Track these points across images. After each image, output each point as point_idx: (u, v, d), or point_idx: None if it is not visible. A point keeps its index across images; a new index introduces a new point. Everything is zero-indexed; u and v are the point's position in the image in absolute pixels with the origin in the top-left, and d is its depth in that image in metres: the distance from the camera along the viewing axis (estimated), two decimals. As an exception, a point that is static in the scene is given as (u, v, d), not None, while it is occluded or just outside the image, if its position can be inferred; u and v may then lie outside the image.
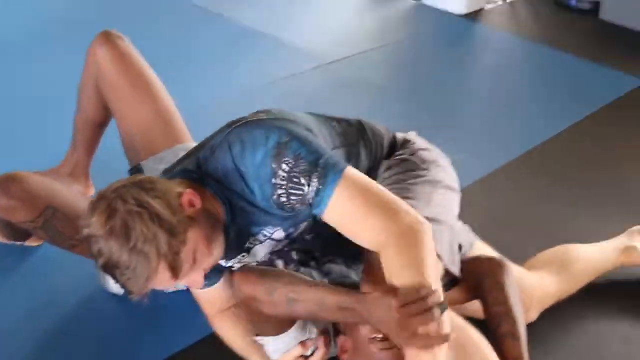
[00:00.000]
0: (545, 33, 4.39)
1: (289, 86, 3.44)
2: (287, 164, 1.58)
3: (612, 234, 2.41)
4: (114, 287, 2.14)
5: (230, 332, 1.95)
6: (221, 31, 4.00)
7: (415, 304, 1.49)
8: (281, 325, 1.81)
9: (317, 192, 1.58)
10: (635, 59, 4.04)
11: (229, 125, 1.72)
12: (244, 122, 1.69)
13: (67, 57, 3.42)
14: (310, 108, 1.96)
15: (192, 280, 1.62)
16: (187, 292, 2.13)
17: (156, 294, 2.14)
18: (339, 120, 1.92)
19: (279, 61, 3.71)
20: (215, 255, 1.65)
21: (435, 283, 1.54)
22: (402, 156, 1.96)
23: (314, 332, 1.86)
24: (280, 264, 1.87)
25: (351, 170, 1.61)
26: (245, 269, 1.78)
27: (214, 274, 1.88)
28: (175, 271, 1.53)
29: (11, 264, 2.27)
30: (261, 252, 1.83)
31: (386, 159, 1.97)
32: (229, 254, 1.78)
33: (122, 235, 1.47)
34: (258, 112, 1.75)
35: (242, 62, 3.67)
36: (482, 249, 2.07)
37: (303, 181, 1.58)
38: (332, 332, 1.87)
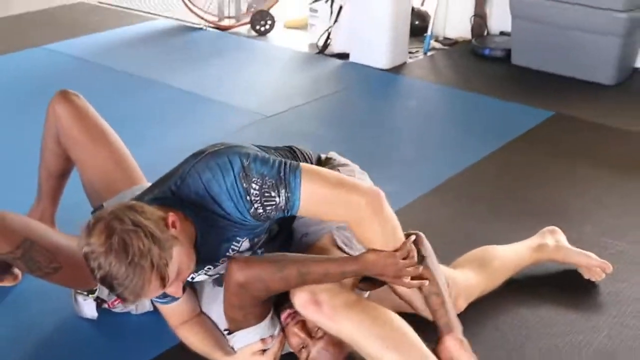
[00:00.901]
0: (462, 79, 4.79)
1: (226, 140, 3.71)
2: (256, 183, 1.87)
3: (524, 238, 2.72)
4: (87, 312, 2.36)
5: (194, 338, 2.19)
6: (160, 95, 4.30)
7: (407, 258, 1.95)
8: (255, 318, 2.07)
9: (287, 199, 1.88)
10: (544, 94, 4.47)
11: (193, 157, 1.98)
12: (207, 153, 1.95)
13: (26, 122, 3.73)
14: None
15: (173, 290, 1.87)
16: (151, 312, 2.37)
17: (125, 315, 2.40)
18: (275, 148, 2.22)
19: (217, 118, 4.02)
20: (191, 268, 1.91)
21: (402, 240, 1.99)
22: None
23: (277, 328, 2.12)
24: None
25: (305, 168, 1.92)
26: (240, 257, 2.02)
27: None
28: (164, 281, 1.78)
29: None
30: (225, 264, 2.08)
31: None
32: (198, 267, 2.02)
33: (121, 250, 1.71)
34: (215, 145, 2.01)
35: (180, 121, 3.96)
36: None
37: (273, 194, 1.87)
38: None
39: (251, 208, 1.88)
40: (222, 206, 1.90)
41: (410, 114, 4.29)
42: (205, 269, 2.08)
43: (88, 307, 2.35)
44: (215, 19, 5.65)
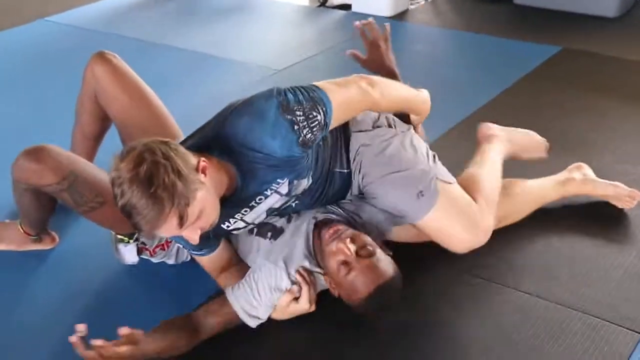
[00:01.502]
0: (466, 22, 4.81)
1: (242, 96, 3.74)
2: (299, 110, 1.96)
3: (544, 171, 2.77)
4: (128, 259, 2.42)
5: None
6: (171, 58, 4.31)
7: None
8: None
9: (325, 113, 2.00)
10: (549, 31, 4.50)
11: (227, 108, 2.02)
12: (240, 103, 2.01)
13: (39, 96, 3.73)
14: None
15: (190, 235, 1.87)
16: (190, 261, 2.42)
17: (166, 267, 2.44)
18: None
19: (230, 76, 4.04)
20: (214, 218, 1.91)
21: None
22: (364, 128, 2.34)
23: (287, 277, 2.15)
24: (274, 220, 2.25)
25: (319, 84, 2.06)
26: None
27: (214, 240, 2.19)
28: (182, 220, 1.78)
29: (36, 265, 2.52)
30: (263, 208, 2.12)
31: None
32: (234, 211, 2.07)
33: (146, 180, 1.72)
34: (244, 98, 2.05)
35: (194, 82, 3.96)
36: None
37: (315, 113, 1.98)
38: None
39: (300, 137, 1.96)
40: (264, 148, 1.94)
41: (417, 59, 4.31)
42: (242, 211, 2.11)
43: (129, 254, 2.40)
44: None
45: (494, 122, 2.73)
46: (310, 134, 1.98)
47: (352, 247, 2.05)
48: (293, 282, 2.15)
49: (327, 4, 5.12)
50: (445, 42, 4.57)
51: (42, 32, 4.81)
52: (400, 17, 4.87)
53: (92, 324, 2.26)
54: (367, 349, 2.13)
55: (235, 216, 2.12)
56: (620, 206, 2.68)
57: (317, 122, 1.98)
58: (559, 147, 3.12)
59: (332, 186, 2.26)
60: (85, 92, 2.53)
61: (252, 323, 2.15)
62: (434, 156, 2.36)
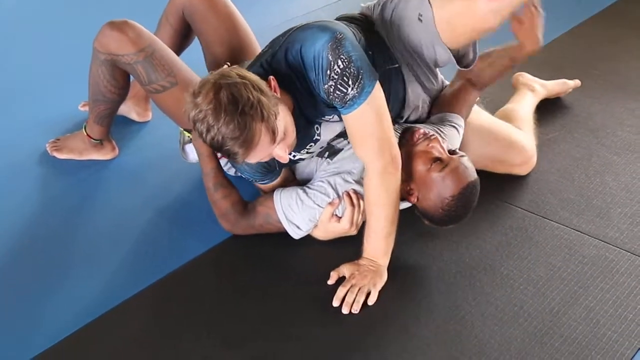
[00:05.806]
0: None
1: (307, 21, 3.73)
2: (341, 61, 1.84)
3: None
4: (192, 158, 2.48)
5: None
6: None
7: None
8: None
9: (353, 97, 1.87)
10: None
11: (282, 35, 2.00)
12: (296, 28, 1.96)
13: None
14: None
15: (280, 153, 1.85)
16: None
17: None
18: (350, 21, 2.18)
19: (295, 2, 4.04)
20: (294, 135, 1.89)
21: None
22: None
23: (334, 192, 2.17)
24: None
25: (377, 90, 1.92)
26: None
27: (277, 170, 2.21)
28: (274, 134, 1.76)
29: (106, 174, 2.60)
30: (324, 137, 2.13)
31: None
32: (299, 142, 2.03)
33: (230, 103, 1.69)
34: (303, 23, 2.01)
35: (261, 7, 3.93)
36: None
37: (350, 82, 1.85)
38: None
39: (326, 83, 1.87)
40: (308, 76, 1.90)
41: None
42: (307, 147, 2.12)
43: (192, 152, 2.46)
44: None
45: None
46: (332, 90, 1.86)
47: (445, 146, 2.09)
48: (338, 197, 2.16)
49: None
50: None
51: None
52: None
53: (168, 227, 2.35)
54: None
55: (300, 150, 2.13)
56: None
57: (343, 91, 1.86)
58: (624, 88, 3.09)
59: (390, 85, 2.16)
60: (171, 8, 2.55)
61: (291, 230, 2.19)
62: None
